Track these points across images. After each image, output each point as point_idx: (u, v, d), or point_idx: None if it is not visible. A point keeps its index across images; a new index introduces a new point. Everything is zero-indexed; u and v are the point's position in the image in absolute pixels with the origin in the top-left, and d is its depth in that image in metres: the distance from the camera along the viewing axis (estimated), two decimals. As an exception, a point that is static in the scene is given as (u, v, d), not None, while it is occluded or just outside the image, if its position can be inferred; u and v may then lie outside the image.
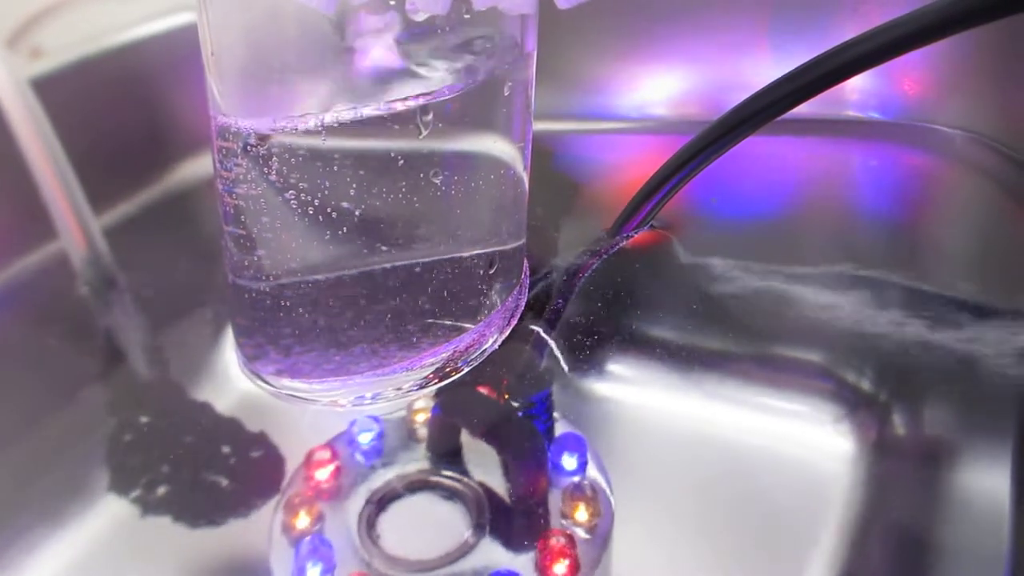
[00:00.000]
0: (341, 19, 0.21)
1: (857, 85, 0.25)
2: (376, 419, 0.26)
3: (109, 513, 0.25)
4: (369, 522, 0.24)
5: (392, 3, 0.20)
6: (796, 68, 0.26)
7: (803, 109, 0.26)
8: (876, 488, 0.23)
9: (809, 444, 0.25)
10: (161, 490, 0.26)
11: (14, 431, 0.29)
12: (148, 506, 0.25)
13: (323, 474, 0.25)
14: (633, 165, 0.39)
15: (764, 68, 0.36)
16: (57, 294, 0.35)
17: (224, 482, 0.26)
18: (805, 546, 0.22)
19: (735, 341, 0.28)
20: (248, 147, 0.22)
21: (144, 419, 0.28)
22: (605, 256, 0.32)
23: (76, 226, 0.34)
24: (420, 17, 0.19)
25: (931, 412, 0.25)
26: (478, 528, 0.23)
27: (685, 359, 0.28)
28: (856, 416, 0.25)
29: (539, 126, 0.27)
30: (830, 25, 0.34)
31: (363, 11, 0.21)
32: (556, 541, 0.22)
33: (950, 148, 0.33)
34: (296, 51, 0.22)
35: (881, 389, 0.25)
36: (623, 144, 0.40)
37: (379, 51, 0.21)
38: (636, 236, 0.33)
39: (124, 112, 0.41)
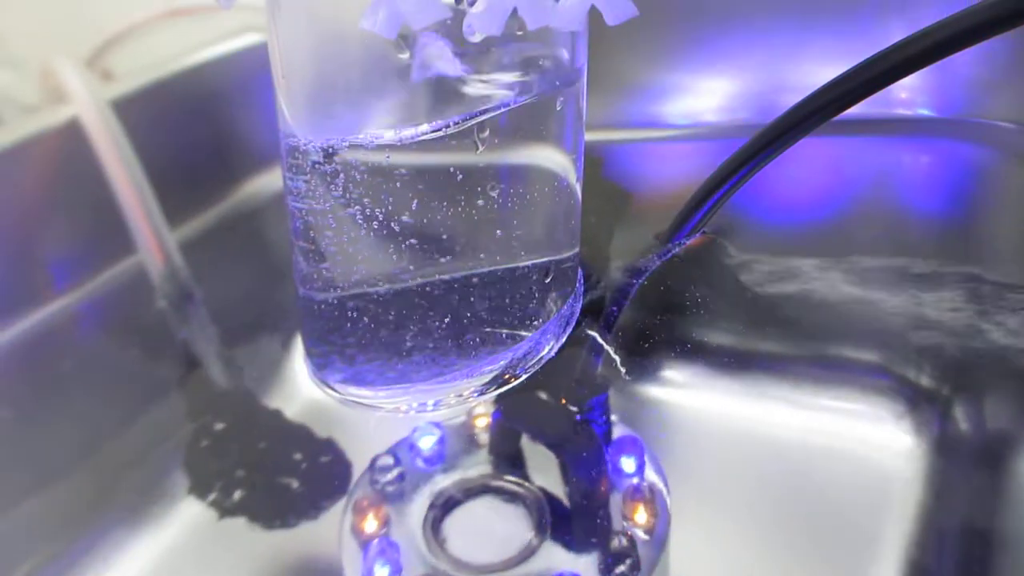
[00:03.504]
0: (402, 41, 0.22)
1: (906, 82, 0.25)
2: (438, 425, 0.27)
3: (188, 516, 0.26)
4: (434, 525, 0.25)
5: (449, 24, 0.21)
6: (848, 70, 0.26)
7: (852, 109, 0.26)
8: (939, 485, 0.23)
9: (870, 442, 0.24)
10: (237, 494, 0.27)
11: (98, 438, 0.30)
12: (225, 509, 0.26)
13: (388, 478, 0.26)
14: (684, 172, 0.39)
15: (813, 71, 0.35)
16: (137, 307, 0.37)
17: (295, 485, 0.27)
18: (868, 545, 0.22)
19: (791, 342, 0.28)
20: (316, 164, 0.23)
21: (220, 426, 0.30)
22: (658, 262, 0.32)
23: (154, 242, 0.35)
24: (476, 38, 0.19)
25: (993, 406, 0.24)
26: (540, 531, 0.24)
27: (741, 361, 0.28)
28: (917, 413, 0.24)
29: (590, 136, 0.27)
30: (877, 26, 0.34)
31: (423, 33, 0.21)
32: (617, 543, 0.23)
33: (1003, 142, 0.32)
34: (361, 72, 0.22)
35: (942, 385, 0.25)
36: (674, 151, 0.40)
37: (438, 71, 0.22)
38: (689, 242, 0.33)
39: (197, 131, 0.42)
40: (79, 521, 0.27)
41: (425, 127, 0.22)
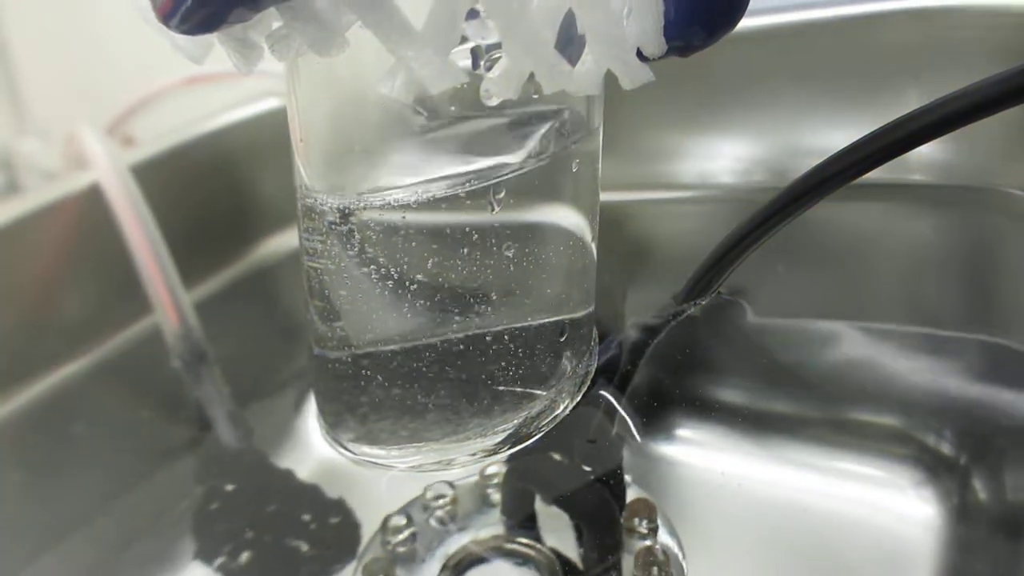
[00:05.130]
0: (419, 103, 0.22)
1: (922, 149, 0.26)
2: (450, 484, 0.27)
3: (195, 580, 0.26)
4: (445, 588, 0.24)
5: (466, 88, 0.21)
6: (865, 136, 0.26)
7: (869, 174, 0.26)
8: (959, 554, 0.22)
9: (888, 509, 0.24)
10: (244, 557, 0.27)
11: (108, 500, 0.30)
12: (231, 573, 0.26)
13: (399, 539, 0.26)
14: (699, 233, 0.39)
15: (828, 138, 0.36)
16: (151, 367, 0.37)
17: (304, 548, 0.26)
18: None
19: (807, 405, 0.28)
20: (332, 224, 0.24)
21: (230, 487, 0.29)
22: (673, 323, 0.32)
23: (169, 303, 0.35)
24: (493, 102, 0.20)
25: (1013, 476, 0.24)
26: (552, 594, 0.24)
27: (756, 423, 0.28)
28: (937, 480, 0.24)
29: (606, 196, 0.28)
30: (893, 94, 0.34)
31: (439, 97, 0.22)
32: (632, 607, 0.22)
33: (1020, 211, 0.32)
34: (378, 134, 0.23)
35: (961, 452, 0.25)
36: (689, 213, 0.41)
37: (454, 133, 0.23)
38: (704, 302, 0.33)
39: (214, 193, 0.43)
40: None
41: (442, 188, 0.23)
